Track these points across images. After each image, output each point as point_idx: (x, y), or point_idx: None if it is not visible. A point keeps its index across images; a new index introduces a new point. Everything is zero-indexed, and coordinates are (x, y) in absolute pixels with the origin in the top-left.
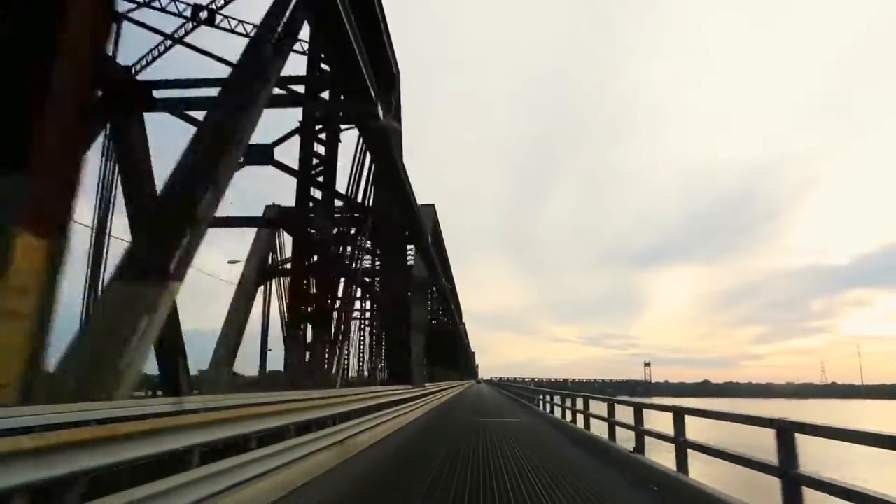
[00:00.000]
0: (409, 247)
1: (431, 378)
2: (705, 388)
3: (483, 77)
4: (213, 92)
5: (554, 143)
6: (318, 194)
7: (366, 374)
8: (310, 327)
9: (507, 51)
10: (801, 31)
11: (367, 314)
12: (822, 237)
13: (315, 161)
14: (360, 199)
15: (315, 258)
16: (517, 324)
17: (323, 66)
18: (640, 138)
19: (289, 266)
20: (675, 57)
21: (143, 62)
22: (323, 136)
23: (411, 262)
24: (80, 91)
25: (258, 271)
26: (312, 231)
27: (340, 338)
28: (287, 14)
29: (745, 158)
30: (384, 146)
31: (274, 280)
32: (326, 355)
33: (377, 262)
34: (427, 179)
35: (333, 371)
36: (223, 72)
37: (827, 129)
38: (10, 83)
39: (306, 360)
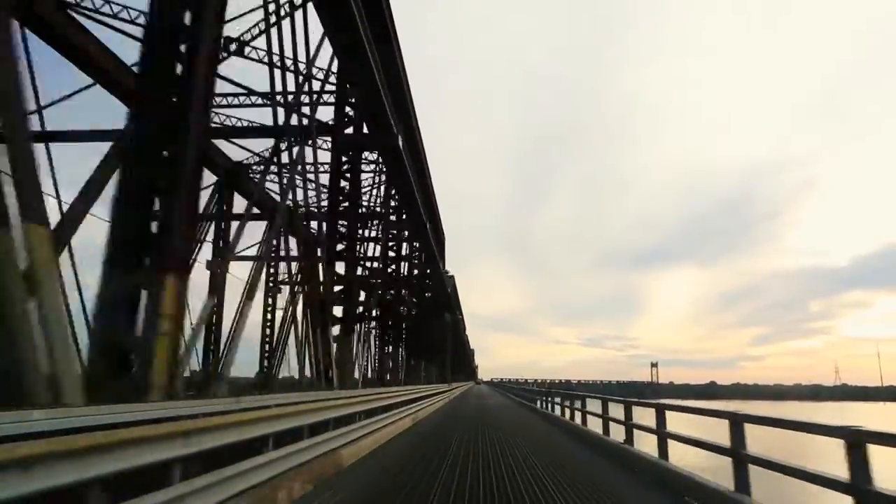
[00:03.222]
0: None
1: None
2: (712, 390)
3: (483, 79)
4: None
5: (554, 144)
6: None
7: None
8: None
9: (507, 52)
10: (802, 31)
11: None
12: (822, 239)
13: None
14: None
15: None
16: (517, 325)
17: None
18: (639, 140)
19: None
20: (675, 58)
21: None
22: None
23: None
24: None
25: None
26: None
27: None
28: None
29: (744, 160)
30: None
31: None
32: None
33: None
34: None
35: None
36: None
37: (826, 131)
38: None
39: None
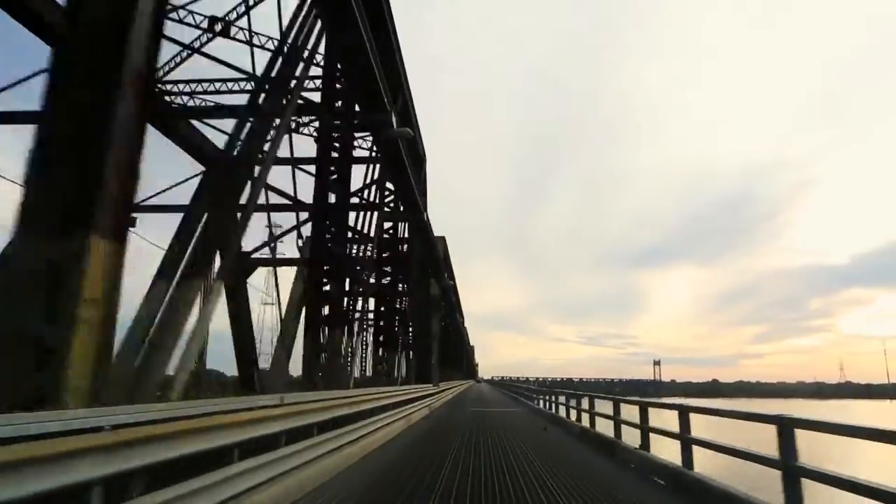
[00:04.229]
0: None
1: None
2: (716, 388)
3: (483, 78)
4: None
5: (553, 144)
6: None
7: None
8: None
9: (507, 52)
10: (802, 31)
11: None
12: (821, 237)
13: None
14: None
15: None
16: (517, 324)
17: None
18: (639, 140)
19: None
20: (675, 57)
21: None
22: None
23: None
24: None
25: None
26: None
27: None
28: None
29: (744, 158)
30: (424, 231)
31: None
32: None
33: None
34: (429, 182)
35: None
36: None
37: (826, 130)
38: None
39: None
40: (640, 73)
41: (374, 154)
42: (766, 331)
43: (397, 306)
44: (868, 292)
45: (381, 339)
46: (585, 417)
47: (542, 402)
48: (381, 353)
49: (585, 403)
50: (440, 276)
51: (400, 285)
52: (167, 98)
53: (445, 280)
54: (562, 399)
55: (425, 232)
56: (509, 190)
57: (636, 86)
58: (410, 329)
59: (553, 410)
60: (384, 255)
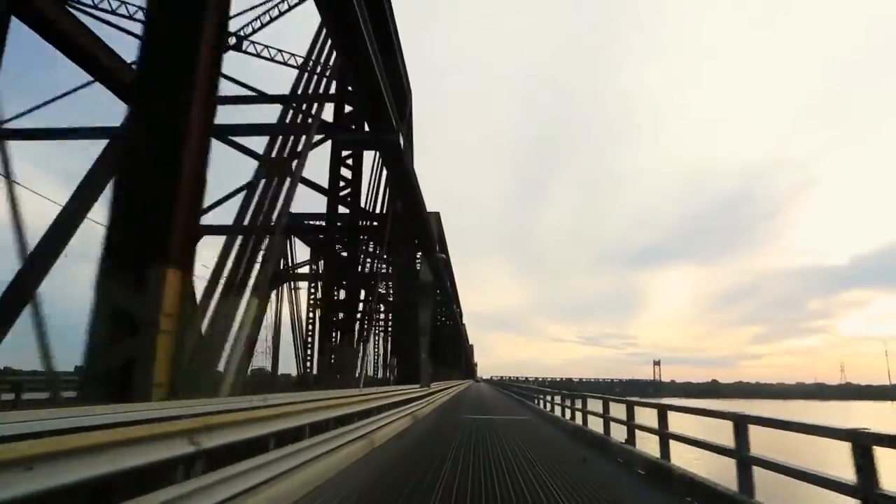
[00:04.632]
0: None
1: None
2: (715, 389)
3: (483, 79)
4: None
5: (553, 144)
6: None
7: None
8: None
9: (507, 52)
10: (802, 31)
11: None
12: (821, 238)
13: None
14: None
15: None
16: (516, 323)
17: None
18: (639, 140)
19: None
20: (675, 57)
21: None
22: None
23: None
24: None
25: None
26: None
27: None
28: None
29: (744, 159)
30: (400, 165)
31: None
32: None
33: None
34: (429, 180)
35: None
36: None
37: (826, 130)
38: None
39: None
40: (640, 73)
41: None
42: (766, 331)
43: (362, 271)
44: (867, 294)
45: (336, 319)
46: (639, 436)
47: (546, 404)
48: (334, 341)
49: (650, 417)
50: (430, 248)
51: (366, 259)
52: None
53: (437, 254)
54: (594, 406)
55: (401, 166)
56: (509, 190)
57: (636, 86)
58: (382, 315)
59: (580, 421)
60: (341, 191)
